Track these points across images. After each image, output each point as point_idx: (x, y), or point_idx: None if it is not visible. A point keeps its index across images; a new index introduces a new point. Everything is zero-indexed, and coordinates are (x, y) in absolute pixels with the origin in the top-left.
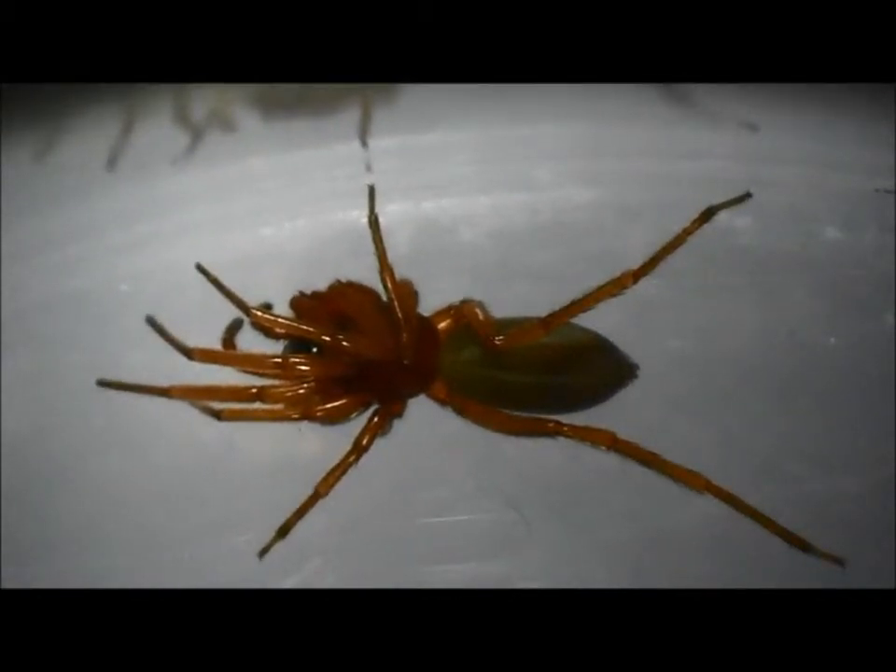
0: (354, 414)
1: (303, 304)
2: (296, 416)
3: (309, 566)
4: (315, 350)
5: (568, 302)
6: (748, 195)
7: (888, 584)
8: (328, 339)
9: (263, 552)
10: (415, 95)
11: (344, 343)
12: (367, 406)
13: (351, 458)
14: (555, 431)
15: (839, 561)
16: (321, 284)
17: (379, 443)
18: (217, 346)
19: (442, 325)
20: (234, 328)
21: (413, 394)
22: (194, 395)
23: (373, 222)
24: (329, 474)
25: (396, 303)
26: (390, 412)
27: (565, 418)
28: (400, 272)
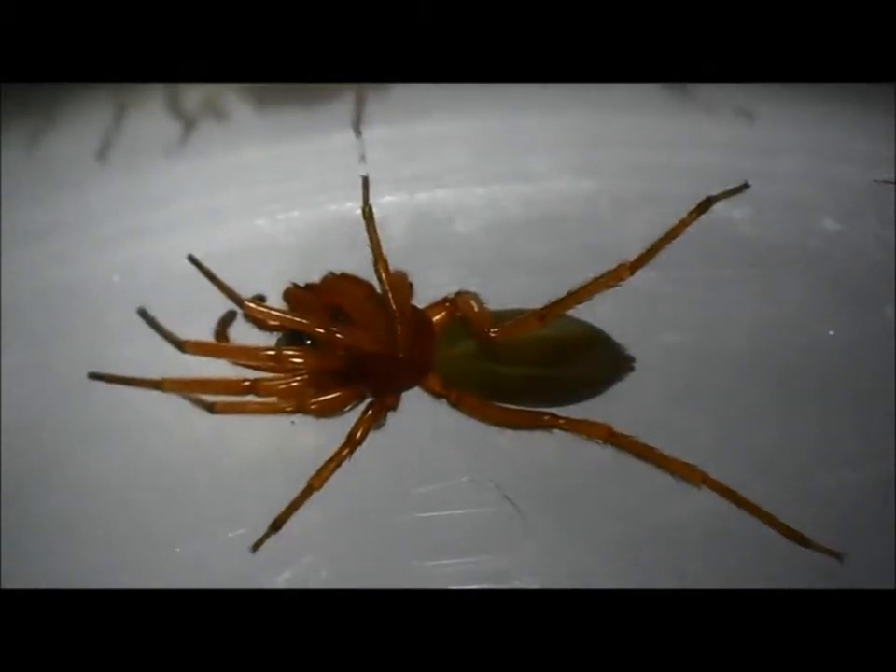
0: (348, 407)
1: (297, 296)
2: (289, 409)
3: (303, 560)
4: (308, 342)
5: (564, 294)
6: (745, 186)
7: (887, 583)
8: (321, 331)
9: (256, 546)
10: (410, 85)
11: (338, 336)
12: (361, 399)
13: (345, 452)
14: (551, 424)
15: (838, 556)
16: (315, 276)
17: (373, 437)
18: (210, 339)
19: (437, 317)
20: (227, 320)
21: (408, 387)
22: (186, 388)
23: (367, 214)
24: (322, 468)
25: (390, 295)
26: (384, 405)
27: (560, 411)
28: (395, 263)
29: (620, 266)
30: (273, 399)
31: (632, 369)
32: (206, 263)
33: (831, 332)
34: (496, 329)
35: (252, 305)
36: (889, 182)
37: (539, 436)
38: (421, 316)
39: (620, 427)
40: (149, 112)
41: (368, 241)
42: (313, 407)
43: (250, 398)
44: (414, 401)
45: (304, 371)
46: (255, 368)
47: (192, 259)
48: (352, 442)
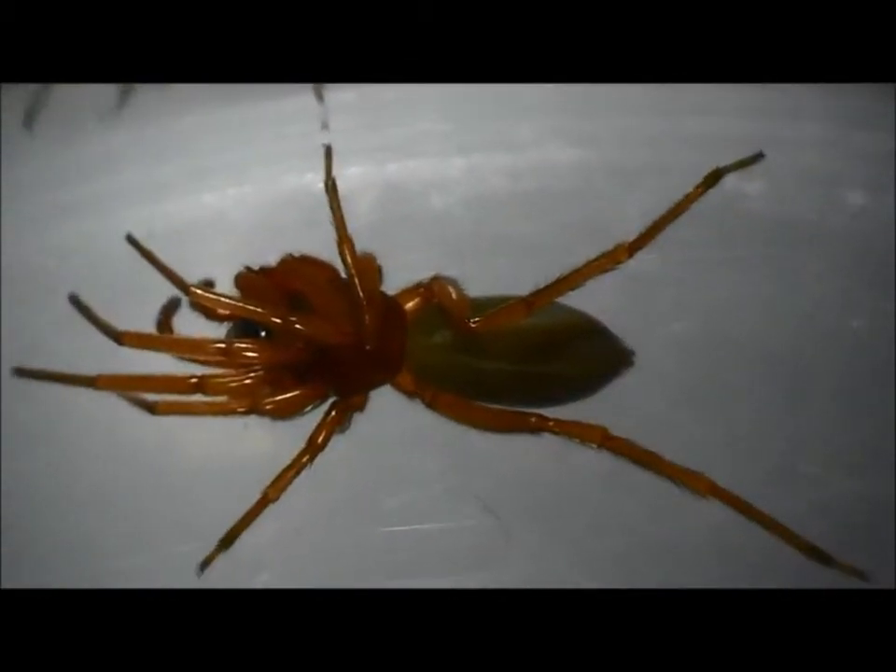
0: (308, 408)
1: (250, 281)
2: (242, 410)
3: (257, 580)
4: (263, 334)
5: (554, 279)
6: (759, 156)
7: (887, 583)
8: (278, 321)
9: (204, 565)
10: None
11: (297, 326)
12: (323, 398)
13: (305, 458)
14: (539, 427)
15: (862, 575)
16: (270, 258)
17: (337, 441)
18: (152, 329)
19: (410, 305)
20: (171, 308)
21: (377, 384)
22: (125, 385)
23: (330, 187)
24: (279, 476)
25: (356, 280)
26: (349, 405)
27: (549, 412)
28: (362, 244)
29: (617, 247)
30: (223, 399)
31: (631, 363)
32: (147, 243)
33: (854, 323)
34: (476, 319)
35: (199, 291)
36: None
37: (525, 440)
38: (391, 304)
39: (617, 430)
40: None
41: (331, 218)
42: (268, 407)
43: (197, 397)
44: (384, 401)
45: (259, 367)
46: (202, 362)
47: (131, 239)
48: (313, 448)
